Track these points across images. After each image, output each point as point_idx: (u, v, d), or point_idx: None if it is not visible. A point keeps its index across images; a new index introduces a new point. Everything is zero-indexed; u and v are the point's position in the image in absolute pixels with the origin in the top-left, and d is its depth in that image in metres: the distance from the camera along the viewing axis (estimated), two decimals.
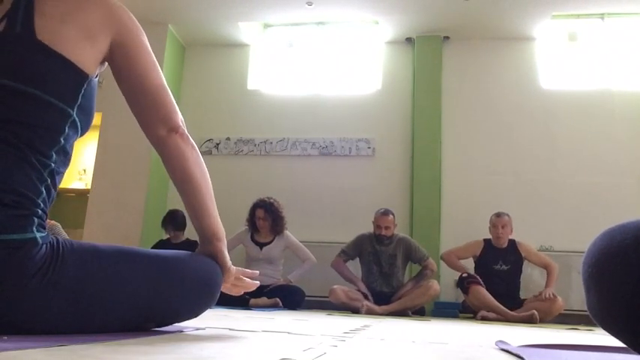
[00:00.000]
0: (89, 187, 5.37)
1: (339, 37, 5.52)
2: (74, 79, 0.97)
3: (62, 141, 0.97)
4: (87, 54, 0.99)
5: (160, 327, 1.12)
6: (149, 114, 1.11)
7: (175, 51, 5.56)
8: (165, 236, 4.71)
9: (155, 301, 1.03)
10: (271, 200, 4.31)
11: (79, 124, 1.00)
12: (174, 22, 5.37)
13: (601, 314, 0.62)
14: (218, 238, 1.18)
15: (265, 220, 4.26)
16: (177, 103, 1.15)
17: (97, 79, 1.06)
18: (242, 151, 5.36)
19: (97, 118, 5.48)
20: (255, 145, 5.35)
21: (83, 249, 0.96)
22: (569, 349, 1.29)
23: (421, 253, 4.15)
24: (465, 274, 3.96)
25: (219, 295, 1.17)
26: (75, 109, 0.98)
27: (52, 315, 0.90)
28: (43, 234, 0.92)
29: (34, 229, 0.90)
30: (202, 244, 1.19)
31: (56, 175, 0.98)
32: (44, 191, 0.95)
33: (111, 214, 5.06)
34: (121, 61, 1.07)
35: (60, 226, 4.52)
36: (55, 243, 0.93)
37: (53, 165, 0.96)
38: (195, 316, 1.17)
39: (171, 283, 1.06)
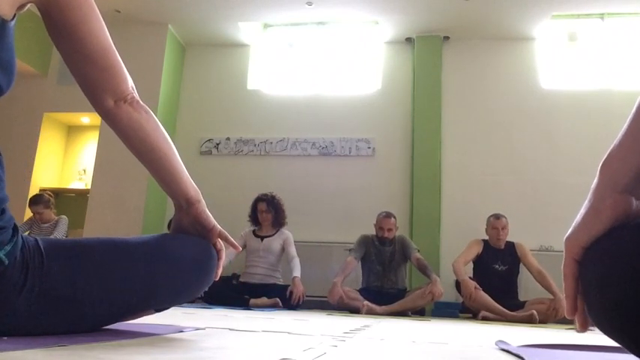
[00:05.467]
0: (89, 187, 5.37)
1: (339, 37, 5.52)
2: None
3: None
4: None
5: (159, 311, 1.09)
6: (95, 84, 0.95)
7: (175, 51, 5.56)
8: None
9: (152, 288, 0.99)
10: (272, 194, 4.37)
11: None
12: (174, 22, 5.37)
13: (599, 318, 0.61)
14: (197, 199, 1.09)
15: (268, 212, 4.29)
16: (177, 103, 1.09)
17: (13, 22, 0.81)
18: (242, 151, 5.36)
19: (97, 119, 5.48)
20: (255, 145, 5.34)
21: (69, 250, 0.89)
22: (569, 349, 1.29)
23: (411, 247, 4.16)
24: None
25: (214, 272, 1.11)
26: None
27: (49, 322, 0.87)
28: (8, 247, 0.80)
29: None
30: (180, 211, 1.10)
31: None
32: None
33: (111, 214, 5.06)
34: (58, 14, 0.88)
35: (66, 219, 4.53)
36: (32, 247, 0.84)
37: None
38: (195, 296, 1.13)
39: (167, 267, 1.01)
